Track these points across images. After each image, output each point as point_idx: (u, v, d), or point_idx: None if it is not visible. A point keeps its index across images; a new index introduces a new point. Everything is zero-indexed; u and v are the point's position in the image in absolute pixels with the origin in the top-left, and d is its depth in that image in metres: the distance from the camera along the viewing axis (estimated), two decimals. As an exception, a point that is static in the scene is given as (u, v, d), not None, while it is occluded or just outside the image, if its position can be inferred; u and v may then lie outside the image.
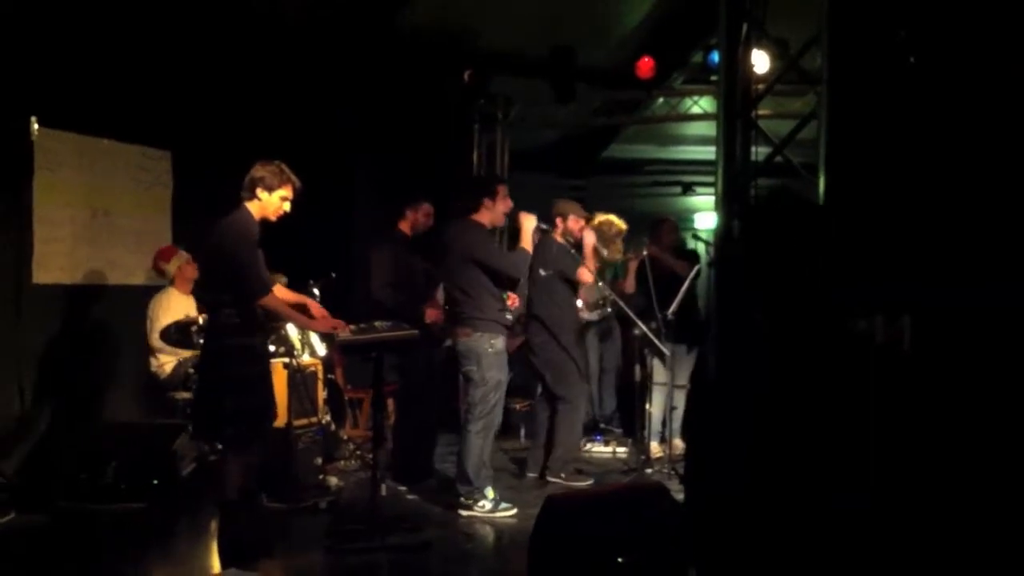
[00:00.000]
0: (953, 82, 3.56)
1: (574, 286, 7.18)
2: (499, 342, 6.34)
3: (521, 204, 6.98)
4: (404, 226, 7.23)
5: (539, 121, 10.54)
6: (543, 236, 6.96)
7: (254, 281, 5.02)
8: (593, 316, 8.21)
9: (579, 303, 7.46)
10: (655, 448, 7.82)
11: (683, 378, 7.93)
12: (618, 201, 9.78)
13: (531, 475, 7.22)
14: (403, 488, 6.82)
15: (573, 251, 7.02)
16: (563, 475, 7.05)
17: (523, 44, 9.20)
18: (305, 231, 6.93)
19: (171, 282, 7.30)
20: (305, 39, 8.14)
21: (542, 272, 7.05)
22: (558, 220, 7.20)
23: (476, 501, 6.26)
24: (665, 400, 7.73)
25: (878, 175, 3.61)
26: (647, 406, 7.64)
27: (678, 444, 7.77)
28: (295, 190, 5.15)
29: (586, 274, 7.03)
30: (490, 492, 6.29)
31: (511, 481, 7.10)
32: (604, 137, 11.84)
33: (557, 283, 7.09)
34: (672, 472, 7.05)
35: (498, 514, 6.23)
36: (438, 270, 6.96)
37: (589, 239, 7.19)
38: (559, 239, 7.17)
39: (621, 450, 8.14)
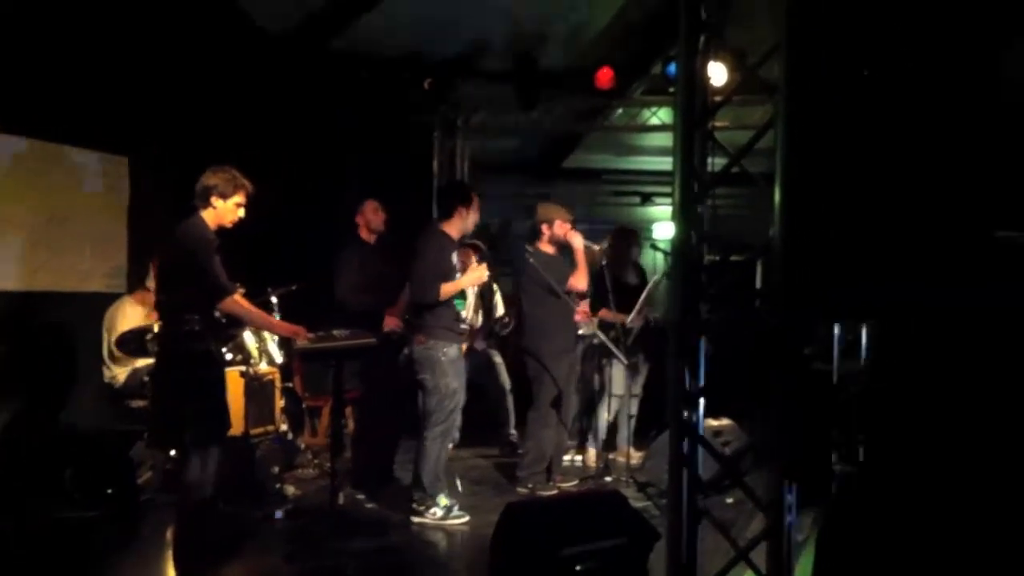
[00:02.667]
0: (910, 92, 3.61)
1: (564, 299, 6.93)
2: (452, 350, 6.30)
3: (488, 210, 6.92)
4: (362, 232, 7.21)
5: (500, 128, 10.56)
6: (526, 253, 6.99)
7: (216, 284, 4.99)
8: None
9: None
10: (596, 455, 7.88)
11: (637, 387, 8.00)
12: (579, 210, 9.82)
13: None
14: (362, 496, 6.80)
15: (534, 263, 6.93)
16: (530, 484, 6.99)
17: (486, 52, 9.22)
18: (286, 241, 6.86)
19: (129, 291, 7.26)
20: (275, 47, 8.11)
21: (526, 287, 7.06)
22: (543, 227, 7.12)
23: (428, 508, 6.23)
24: (618, 409, 7.78)
25: (835, 184, 3.65)
26: (603, 415, 7.71)
27: (633, 453, 7.80)
28: (248, 195, 5.14)
29: (578, 280, 7.01)
30: (443, 500, 6.26)
31: (470, 488, 7.09)
32: (566, 146, 11.88)
33: (542, 298, 6.97)
34: (630, 480, 7.07)
35: (449, 521, 6.21)
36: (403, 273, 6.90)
37: (577, 242, 7.06)
38: (547, 247, 7.12)
39: (578, 458, 8.12)
